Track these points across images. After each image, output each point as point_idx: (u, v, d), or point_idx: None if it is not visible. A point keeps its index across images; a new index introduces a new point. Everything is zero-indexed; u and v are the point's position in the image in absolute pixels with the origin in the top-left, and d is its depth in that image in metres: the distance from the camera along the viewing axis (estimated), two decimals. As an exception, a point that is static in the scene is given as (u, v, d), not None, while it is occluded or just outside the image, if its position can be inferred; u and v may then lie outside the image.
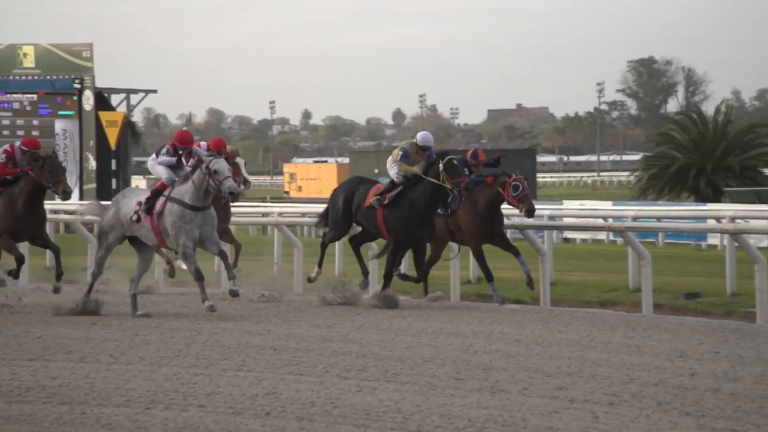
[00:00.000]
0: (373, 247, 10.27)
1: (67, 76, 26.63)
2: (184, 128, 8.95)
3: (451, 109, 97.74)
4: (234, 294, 8.13)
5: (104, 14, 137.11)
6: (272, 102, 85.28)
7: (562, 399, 5.13)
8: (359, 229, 9.53)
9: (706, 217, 14.31)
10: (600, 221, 12.64)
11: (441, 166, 8.77)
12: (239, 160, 9.36)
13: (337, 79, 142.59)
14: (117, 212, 8.49)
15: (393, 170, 9.01)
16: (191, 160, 8.51)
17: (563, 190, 47.83)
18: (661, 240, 18.65)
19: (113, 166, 26.34)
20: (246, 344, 6.92)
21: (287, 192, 39.77)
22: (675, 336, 7.16)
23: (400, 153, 8.98)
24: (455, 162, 8.82)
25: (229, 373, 5.91)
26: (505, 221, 9.50)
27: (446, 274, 10.01)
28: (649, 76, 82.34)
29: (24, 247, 9.64)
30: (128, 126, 27.46)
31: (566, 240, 20.24)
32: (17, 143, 9.16)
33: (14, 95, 26.46)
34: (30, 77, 26.69)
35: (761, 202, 21.68)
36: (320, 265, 9.45)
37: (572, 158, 74.98)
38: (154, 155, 8.67)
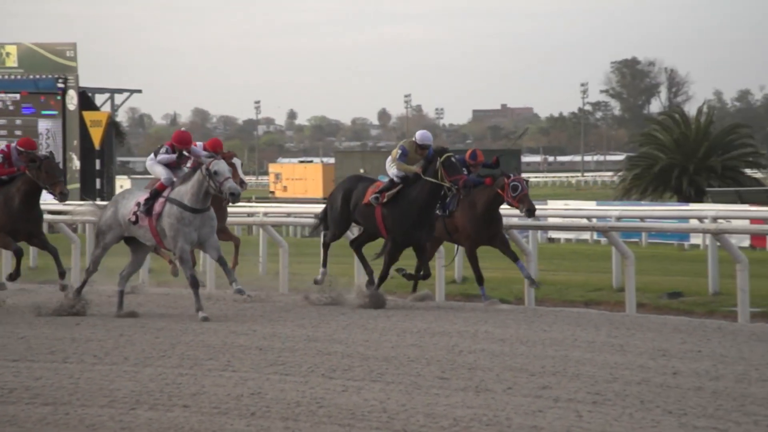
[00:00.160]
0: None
1: (50, 76, 26.48)
2: (182, 128, 8.88)
3: (437, 109, 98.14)
4: (240, 292, 8.12)
5: (88, 14, 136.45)
6: (257, 102, 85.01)
7: (546, 398, 5.16)
8: (356, 231, 9.51)
9: (688, 217, 14.42)
10: (584, 221, 12.70)
11: (439, 163, 8.74)
12: (236, 161, 9.32)
13: (323, 80, 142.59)
14: (115, 212, 8.44)
15: (392, 170, 8.97)
16: (189, 160, 8.47)
17: (548, 190, 48.02)
18: (644, 240, 18.77)
19: (97, 166, 26.22)
20: (231, 344, 6.91)
21: (273, 192, 39.70)
22: (658, 335, 7.22)
23: (399, 152, 8.93)
24: (453, 160, 8.79)
25: (214, 373, 5.90)
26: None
27: (431, 273, 10.02)
28: (633, 77, 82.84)
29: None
30: (112, 126, 27.33)
31: (551, 240, 20.33)
32: (13, 143, 9.13)
33: (-3, 94, 26.28)
34: (13, 76, 26.51)
35: (743, 202, 21.86)
36: (324, 265, 9.37)
37: (558, 158, 75.26)
38: (152, 155, 8.62)
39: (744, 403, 5.04)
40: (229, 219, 10.40)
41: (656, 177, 31.39)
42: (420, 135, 9.04)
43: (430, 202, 8.85)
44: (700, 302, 10.16)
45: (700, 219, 13.19)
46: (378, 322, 7.94)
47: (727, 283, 10.23)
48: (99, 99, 28.36)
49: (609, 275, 11.48)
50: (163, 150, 8.55)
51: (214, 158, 8.23)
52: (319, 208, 17.15)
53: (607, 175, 51.05)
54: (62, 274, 8.87)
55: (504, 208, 9.32)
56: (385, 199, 8.87)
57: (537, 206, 9.43)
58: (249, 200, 28.40)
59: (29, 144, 9.05)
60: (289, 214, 15.37)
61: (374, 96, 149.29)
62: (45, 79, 26.55)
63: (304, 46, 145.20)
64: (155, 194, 8.29)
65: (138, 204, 8.29)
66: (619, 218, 13.21)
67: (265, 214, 14.69)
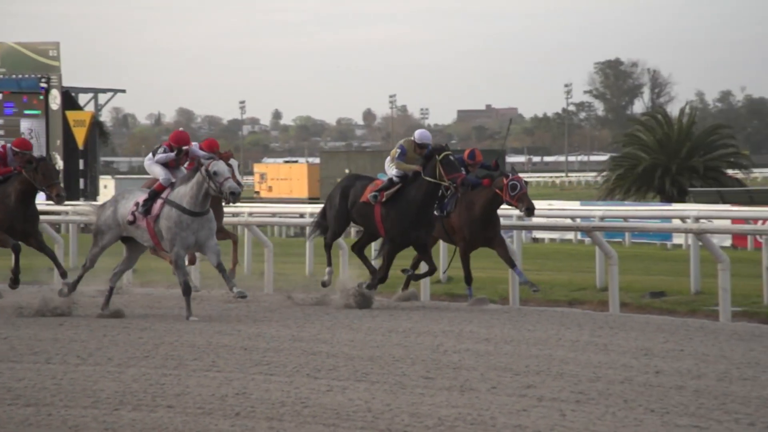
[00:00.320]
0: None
1: (33, 75, 26.31)
2: (180, 128, 8.80)
3: (422, 109, 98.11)
4: (242, 296, 8.05)
5: (71, 13, 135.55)
6: (242, 102, 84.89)
7: (531, 397, 5.18)
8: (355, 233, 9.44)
9: (671, 217, 14.52)
10: (568, 221, 12.78)
11: (437, 162, 8.71)
12: (233, 162, 9.26)
13: (308, 80, 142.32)
14: (115, 212, 8.38)
15: (392, 169, 8.94)
16: (187, 160, 8.40)
17: (532, 190, 47.63)
18: (627, 239, 18.87)
19: (81, 166, 26.09)
20: (216, 344, 6.89)
21: (258, 192, 39.60)
22: (641, 334, 7.26)
23: (399, 151, 8.91)
24: (452, 158, 8.76)
25: (198, 373, 5.89)
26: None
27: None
28: (616, 78, 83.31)
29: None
30: (96, 126, 27.20)
31: (535, 240, 20.41)
32: (8, 144, 9.05)
33: (-21, 94, 26.08)
34: (-5, 76, 26.30)
35: (724, 202, 22.03)
36: (330, 264, 9.30)
37: (544, 159, 75.56)
38: (150, 155, 8.57)
39: (725, 401, 5.08)
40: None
41: (639, 177, 31.58)
42: (419, 134, 9.02)
43: (428, 200, 8.81)
44: (682, 301, 10.23)
45: (683, 219, 13.28)
46: (363, 322, 7.94)
47: (709, 282, 10.31)
48: (82, 99, 28.21)
49: (593, 275, 11.54)
50: (161, 150, 8.48)
51: (212, 159, 8.17)
52: (305, 208, 17.26)
53: (590, 176, 51.30)
54: (63, 274, 8.80)
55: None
56: (384, 198, 8.85)
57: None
58: (234, 200, 28.22)
59: (25, 144, 9.01)
60: (274, 214, 15.35)
61: (359, 96, 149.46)
62: (27, 78, 26.38)
63: (289, 46, 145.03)
64: (154, 195, 8.22)
65: (137, 204, 8.23)
66: (602, 218, 13.28)
67: (250, 214, 14.67)
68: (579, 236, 19.03)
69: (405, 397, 5.22)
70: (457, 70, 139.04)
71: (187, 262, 9.34)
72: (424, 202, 8.81)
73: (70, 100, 27.06)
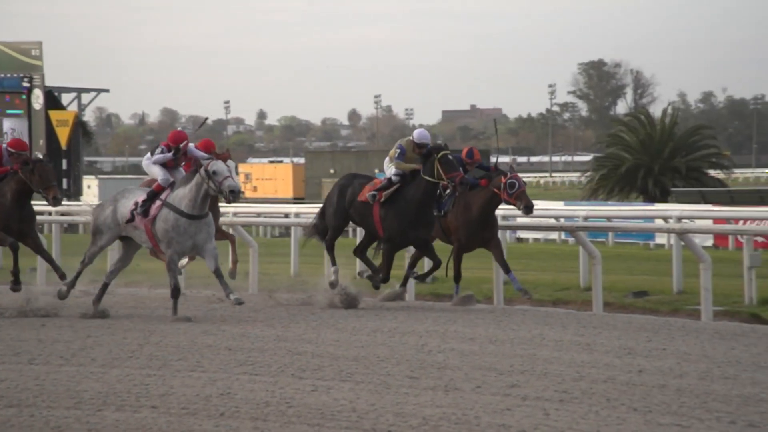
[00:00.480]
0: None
1: (15, 75, 26.13)
2: (179, 128, 8.70)
3: (406, 109, 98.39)
4: (239, 302, 7.97)
5: (55, 12, 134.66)
6: (227, 102, 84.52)
7: (515, 396, 5.21)
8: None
9: (653, 217, 14.62)
10: (552, 221, 12.82)
11: (436, 160, 8.69)
12: (230, 163, 9.23)
13: (293, 80, 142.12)
14: (114, 212, 8.33)
15: (390, 169, 8.92)
16: (184, 161, 8.34)
17: (517, 190, 48.19)
18: (611, 239, 18.99)
19: (64, 166, 25.93)
20: (200, 344, 6.88)
21: (242, 192, 39.46)
22: (624, 333, 7.31)
23: (398, 151, 8.89)
24: (450, 157, 8.75)
25: (182, 373, 5.88)
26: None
27: (402, 273, 10.06)
28: (599, 79, 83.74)
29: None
30: (79, 125, 27.06)
31: (519, 239, 20.49)
32: (4, 144, 8.99)
33: (-39, 93, 25.88)
34: (-23, 75, 26.11)
35: (706, 202, 22.20)
36: (334, 263, 9.23)
37: (527, 159, 75.81)
38: (148, 155, 8.51)
39: (707, 400, 5.13)
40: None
41: (622, 177, 31.76)
42: (417, 134, 8.99)
43: (427, 200, 8.79)
44: (664, 301, 10.31)
45: (665, 219, 13.38)
46: (348, 322, 7.95)
47: (691, 282, 10.40)
48: (66, 98, 28.08)
49: (576, 275, 11.60)
50: (158, 150, 8.43)
51: (211, 159, 8.11)
52: (290, 208, 17.21)
53: (574, 176, 51.53)
54: (62, 276, 8.74)
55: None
56: (382, 198, 8.83)
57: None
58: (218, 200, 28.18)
59: (20, 145, 8.97)
60: (259, 215, 15.32)
61: (344, 96, 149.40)
62: (10, 78, 26.20)
63: (274, 46, 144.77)
64: (153, 196, 8.17)
65: (136, 203, 8.17)
66: (586, 218, 13.36)
67: (235, 214, 14.63)
68: (563, 236, 19.12)
69: (390, 396, 5.23)
70: (441, 71, 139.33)
71: (186, 261, 9.34)
72: (423, 201, 8.78)
73: (53, 99, 26.90)
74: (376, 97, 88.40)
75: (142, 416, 4.94)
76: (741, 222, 14.85)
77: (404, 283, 9.47)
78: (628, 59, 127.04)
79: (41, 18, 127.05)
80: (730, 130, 77.78)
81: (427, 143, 8.92)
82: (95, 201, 21.77)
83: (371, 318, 8.22)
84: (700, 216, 13.94)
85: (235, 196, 7.95)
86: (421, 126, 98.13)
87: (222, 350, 6.65)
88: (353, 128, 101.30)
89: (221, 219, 9.97)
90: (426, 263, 9.75)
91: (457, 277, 9.17)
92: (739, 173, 47.55)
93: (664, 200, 28.19)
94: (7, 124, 26.04)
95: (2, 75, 26.12)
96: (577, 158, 70.66)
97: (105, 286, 8.42)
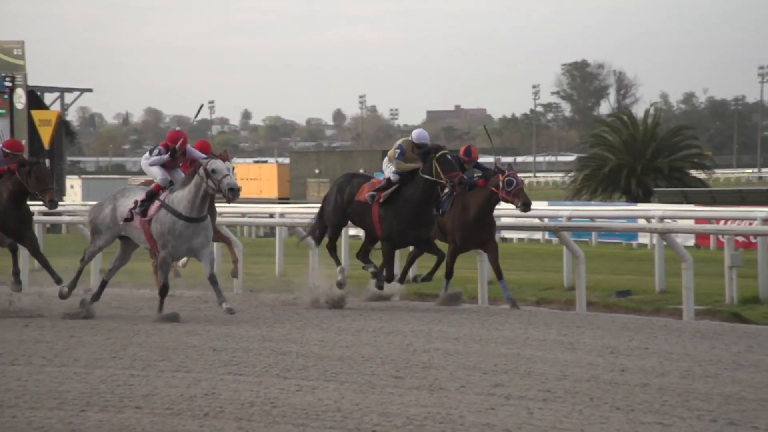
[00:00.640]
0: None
1: (-3, 74, 25.92)
2: (177, 128, 8.63)
3: (391, 110, 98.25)
4: (230, 312, 7.90)
5: (37, 12, 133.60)
6: (211, 102, 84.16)
7: (499, 396, 5.23)
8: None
9: (636, 217, 14.72)
10: (536, 221, 12.88)
11: (434, 160, 8.68)
12: (228, 164, 9.19)
13: (277, 80, 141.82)
14: (114, 211, 8.28)
15: (389, 169, 8.91)
16: (182, 161, 8.29)
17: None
18: (594, 239, 19.09)
19: (47, 166, 25.71)
20: (184, 345, 6.86)
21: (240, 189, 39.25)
22: (607, 333, 7.36)
23: (398, 151, 8.87)
24: (449, 157, 8.75)
25: (166, 374, 5.86)
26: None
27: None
28: (582, 79, 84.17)
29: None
30: (62, 125, 26.90)
31: (503, 239, 20.54)
32: None
33: (-59, 92, 25.65)
34: (-42, 74, 25.90)
35: (688, 202, 22.36)
36: (338, 263, 9.20)
37: (514, 159, 75.98)
38: (147, 154, 8.47)
39: (688, 398, 5.17)
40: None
41: (605, 177, 31.94)
42: (416, 134, 8.99)
43: (426, 199, 8.78)
44: (647, 300, 10.39)
45: (648, 219, 13.47)
46: (333, 322, 7.95)
47: (673, 281, 10.48)
48: (48, 98, 27.90)
49: (560, 274, 11.66)
50: (156, 151, 8.37)
51: (210, 158, 8.06)
52: (274, 208, 17.17)
53: (558, 176, 51.75)
54: (58, 281, 8.70)
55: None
56: (381, 199, 8.82)
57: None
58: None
59: (16, 146, 8.94)
60: (243, 215, 15.28)
61: (329, 96, 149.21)
62: (-8, 77, 25.98)
63: (258, 46, 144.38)
64: (151, 196, 8.13)
65: (136, 202, 8.13)
66: (569, 218, 13.43)
67: (220, 214, 14.58)
68: (547, 236, 19.20)
69: (374, 396, 5.24)
70: (426, 71, 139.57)
71: (186, 260, 9.31)
72: (422, 200, 8.78)
73: (35, 99, 26.73)
74: (360, 97, 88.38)
75: (126, 417, 4.92)
76: (722, 222, 14.98)
77: (402, 278, 9.36)
78: (611, 60, 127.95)
79: (24, 17, 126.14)
80: (711, 131, 78.37)
81: (426, 143, 8.90)
82: (78, 201, 21.63)
83: (356, 318, 8.23)
84: (682, 216, 14.05)
85: (234, 193, 7.85)
86: (406, 126, 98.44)
87: (206, 350, 6.63)
88: (338, 128, 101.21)
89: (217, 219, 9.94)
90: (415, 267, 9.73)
91: (449, 274, 9.15)
92: (721, 173, 47.95)
93: (647, 200, 28.37)
94: (-11, 123, 25.85)
95: (-16, 74, 25.91)
96: (560, 158, 70.94)
97: (103, 284, 8.41)
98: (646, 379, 5.63)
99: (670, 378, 5.66)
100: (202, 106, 9.45)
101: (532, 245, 19.42)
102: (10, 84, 25.75)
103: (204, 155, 8.39)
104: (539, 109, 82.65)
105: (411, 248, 9.46)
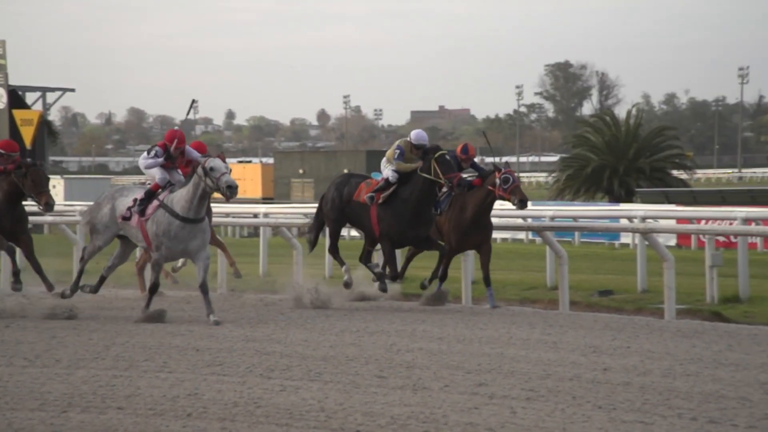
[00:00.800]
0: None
1: (-23, 73, 25.70)
2: (175, 128, 8.59)
3: (375, 110, 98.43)
4: (216, 323, 7.81)
5: (18, 11, 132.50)
6: (195, 101, 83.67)
7: (482, 395, 5.26)
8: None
9: (619, 217, 14.80)
10: (519, 221, 12.93)
11: (433, 161, 8.67)
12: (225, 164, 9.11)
13: (262, 80, 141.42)
14: (113, 210, 8.25)
15: (387, 169, 8.90)
16: (182, 161, 8.27)
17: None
18: (577, 239, 19.18)
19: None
20: (167, 345, 6.84)
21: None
22: (589, 332, 7.41)
23: (397, 152, 8.86)
24: (448, 157, 8.74)
25: (149, 374, 5.84)
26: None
27: (370, 273, 10.08)
28: (565, 80, 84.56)
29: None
30: (44, 125, 26.69)
31: (487, 239, 20.56)
32: None
33: None
34: (-63, 73, 25.64)
35: (670, 202, 22.52)
36: (342, 264, 9.17)
37: (499, 159, 76.17)
38: (144, 154, 8.43)
39: (669, 397, 5.21)
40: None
41: (588, 178, 32.09)
42: (415, 135, 8.97)
43: (425, 198, 8.77)
44: (629, 300, 10.45)
45: (630, 219, 13.55)
46: (317, 322, 7.95)
47: (655, 281, 10.55)
48: (30, 97, 27.68)
49: (543, 274, 11.71)
50: (153, 152, 8.32)
51: (208, 157, 8.03)
52: (259, 208, 17.12)
53: (541, 176, 51.95)
54: (50, 287, 8.65)
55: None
56: (380, 200, 8.81)
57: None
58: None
59: (11, 146, 8.89)
60: (227, 215, 15.23)
61: (313, 96, 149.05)
62: (-28, 76, 25.75)
63: (242, 46, 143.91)
64: (150, 195, 8.10)
65: (135, 200, 8.10)
66: (553, 218, 13.48)
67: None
68: (530, 236, 19.27)
69: (358, 396, 5.25)
70: (410, 72, 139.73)
71: (182, 262, 9.27)
72: (421, 200, 8.77)
73: (17, 98, 26.49)
74: (345, 97, 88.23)
75: (108, 417, 4.90)
76: (703, 222, 15.10)
77: (401, 274, 9.25)
78: (594, 61, 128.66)
79: (4, 16, 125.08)
80: (692, 132, 78.95)
81: (425, 144, 8.89)
82: (60, 201, 21.47)
83: (340, 318, 8.23)
84: (663, 216, 14.14)
85: (232, 191, 7.79)
86: (390, 126, 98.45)
87: (190, 351, 6.62)
88: (322, 128, 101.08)
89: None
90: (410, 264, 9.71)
91: (444, 277, 9.13)
92: (702, 174, 48.30)
93: (629, 200, 28.53)
94: (-30, 123, 25.61)
95: (-36, 73, 25.66)
96: (544, 159, 71.24)
97: (102, 279, 8.42)
98: (628, 377, 5.67)
99: (652, 377, 5.70)
100: (193, 101, 9.42)
101: (515, 245, 19.49)
102: (-10, 83, 25.52)
103: (200, 155, 8.38)
104: (523, 109, 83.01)
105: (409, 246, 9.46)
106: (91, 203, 8.90)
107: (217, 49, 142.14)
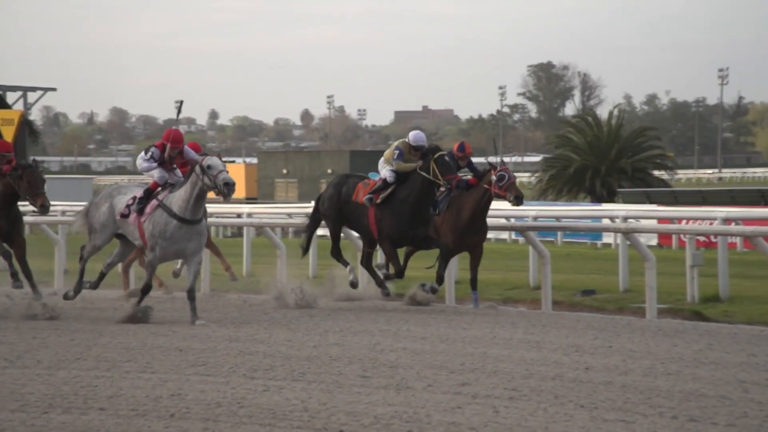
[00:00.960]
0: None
1: (-43, 71, 25.48)
2: (174, 127, 8.54)
3: (359, 110, 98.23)
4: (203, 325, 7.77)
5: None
6: (178, 101, 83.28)
7: (465, 395, 5.27)
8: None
9: (601, 217, 14.89)
10: (503, 221, 12.98)
11: (432, 162, 8.67)
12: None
13: (245, 80, 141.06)
14: (111, 209, 8.21)
15: (385, 170, 8.88)
16: (180, 161, 8.23)
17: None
18: (560, 239, 19.28)
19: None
20: (150, 345, 6.82)
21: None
22: (572, 332, 7.45)
23: (396, 152, 8.85)
24: (446, 158, 8.75)
25: (132, 375, 5.82)
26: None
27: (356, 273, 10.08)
28: (548, 81, 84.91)
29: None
30: (25, 124, 26.49)
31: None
32: None
33: None
34: None
35: (651, 202, 22.67)
36: (346, 264, 9.16)
37: (485, 159, 76.39)
38: (142, 153, 8.38)
39: (650, 395, 5.26)
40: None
41: (571, 178, 32.26)
42: (413, 136, 8.96)
43: (424, 198, 8.78)
44: (611, 299, 10.52)
45: (612, 219, 13.64)
46: (300, 322, 7.95)
47: (637, 280, 10.62)
48: (11, 97, 27.47)
49: (526, 274, 11.77)
50: (150, 153, 8.26)
51: (206, 155, 8.00)
52: (242, 208, 17.07)
53: (524, 176, 52.11)
54: (38, 296, 8.56)
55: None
56: (378, 200, 8.81)
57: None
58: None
59: (5, 147, 8.84)
60: (211, 215, 15.16)
61: (297, 96, 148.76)
62: (-49, 74, 25.51)
63: (226, 46, 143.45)
64: (149, 194, 8.05)
65: (134, 198, 8.06)
66: (536, 218, 13.55)
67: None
68: (513, 236, 19.34)
69: (342, 396, 5.25)
70: (394, 72, 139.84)
71: (181, 264, 9.24)
72: (420, 199, 8.78)
73: (-3, 97, 26.27)
74: (328, 97, 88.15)
75: (90, 418, 4.88)
76: (684, 222, 15.22)
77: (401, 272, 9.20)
78: (576, 62, 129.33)
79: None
80: (673, 132, 79.52)
81: (423, 145, 8.89)
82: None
83: (324, 318, 8.23)
84: (645, 216, 14.24)
85: (229, 188, 7.75)
86: (374, 126, 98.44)
87: (172, 351, 6.60)
88: (306, 128, 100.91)
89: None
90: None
91: (441, 280, 9.10)
92: (682, 174, 48.67)
93: (611, 200, 28.70)
94: (-51, 122, 25.36)
95: (-56, 72, 25.43)
96: (526, 159, 71.46)
97: (101, 275, 8.41)
98: (610, 377, 5.71)
99: (633, 376, 5.74)
100: (181, 103, 9.38)
101: (498, 245, 19.55)
102: (-29, 82, 25.30)
103: (198, 155, 8.36)
104: (506, 110, 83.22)
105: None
106: (85, 204, 8.88)
107: (200, 49, 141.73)
